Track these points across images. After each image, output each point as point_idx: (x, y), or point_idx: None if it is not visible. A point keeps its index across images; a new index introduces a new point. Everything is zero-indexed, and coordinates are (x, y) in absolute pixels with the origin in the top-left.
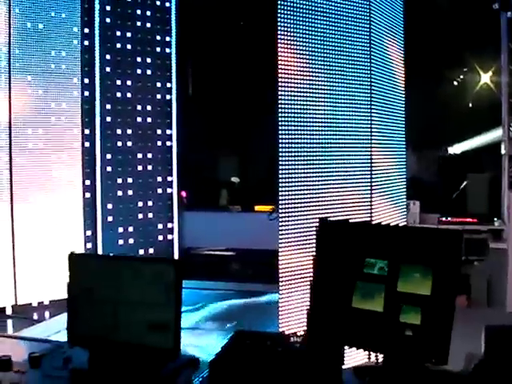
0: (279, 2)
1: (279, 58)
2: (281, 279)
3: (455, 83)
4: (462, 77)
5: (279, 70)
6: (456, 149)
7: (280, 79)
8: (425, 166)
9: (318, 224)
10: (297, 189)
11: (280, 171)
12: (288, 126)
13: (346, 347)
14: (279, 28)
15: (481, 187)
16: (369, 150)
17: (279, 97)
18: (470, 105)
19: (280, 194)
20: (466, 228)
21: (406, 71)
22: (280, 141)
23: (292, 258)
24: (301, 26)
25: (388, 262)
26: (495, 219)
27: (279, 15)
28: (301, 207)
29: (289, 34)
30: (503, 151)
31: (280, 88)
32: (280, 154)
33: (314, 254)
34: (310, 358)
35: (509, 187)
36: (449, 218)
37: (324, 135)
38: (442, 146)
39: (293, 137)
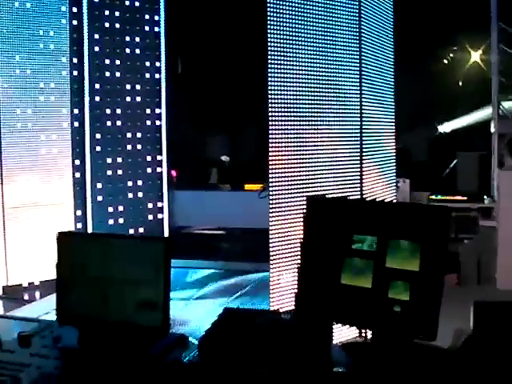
0: None
1: (268, 35)
2: (271, 257)
3: (445, 62)
4: (451, 55)
5: (268, 47)
6: (446, 127)
7: (269, 56)
8: (415, 144)
9: (305, 201)
10: (287, 166)
11: (270, 148)
12: (277, 104)
13: (334, 323)
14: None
15: (471, 165)
16: (359, 127)
17: (268, 74)
18: (460, 83)
19: (270, 171)
20: (455, 206)
21: (396, 50)
22: (270, 118)
23: (282, 236)
24: (291, 7)
25: (377, 238)
26: (485, 197)
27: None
28: (291, 184)
29: (278, 9)
30: (493, 129)
31: (269, 65)
32: (270, 132)
33: (302, 231)
34: (298, 334)
35: (498, 165)
36: (439, 196)
37: (314, 112)
38: (432, 125)
39: (282, 114)
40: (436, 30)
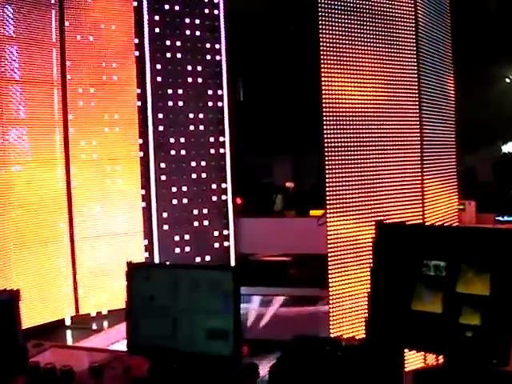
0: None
1: (322, 59)
2: (331, 284)
3: (507, 80)
4: None
5: (322, 72)
6: (510, 147)
7: (323, 82)
8: (480, 164)
9: (374, 227)
10: (345, 192)
11: (327, 175)
12: (335, 129)
13: (406, 350)
14: (321, 29)
15: None
16: (419, 149)
17: (323, 99)
18: None
19: (327, 198)
20: None
21: (458, 70)
22: (326, 144)
23: (342, 262)
24: (344, 24)
25: (446, 263)
26: None
27: (320, 17)
28: (349, 211)
29: (332, 34)
30: None
31: (324, 90)
32: (326, 158)
33: (371, 257)
34: (369, 361)
35: None
36: (505, 217)
37: (372, 136)
38: (497, 145)
39: (340, 139)
40: (498, 49)
